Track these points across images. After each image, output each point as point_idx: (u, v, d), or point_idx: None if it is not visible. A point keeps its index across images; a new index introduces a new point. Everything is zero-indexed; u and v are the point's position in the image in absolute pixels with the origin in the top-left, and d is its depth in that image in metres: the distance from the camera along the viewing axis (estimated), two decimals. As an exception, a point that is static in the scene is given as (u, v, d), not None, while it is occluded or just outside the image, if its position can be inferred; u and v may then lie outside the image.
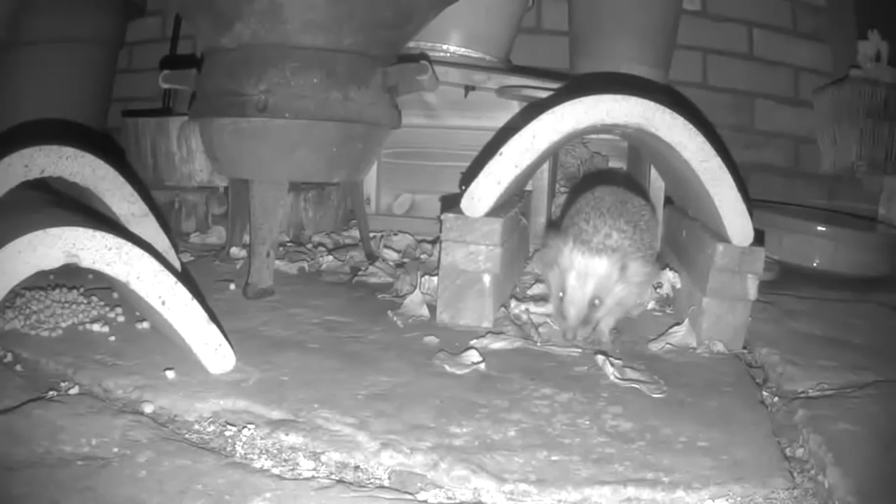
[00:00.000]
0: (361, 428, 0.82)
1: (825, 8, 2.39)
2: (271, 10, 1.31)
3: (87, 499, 0.67)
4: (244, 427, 0.83)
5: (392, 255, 1.63)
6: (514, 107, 1.70)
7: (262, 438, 0.81)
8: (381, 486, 0.74)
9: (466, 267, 1.17)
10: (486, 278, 1.17)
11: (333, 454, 0.79)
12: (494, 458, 0.77)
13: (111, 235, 0.90)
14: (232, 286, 1.38)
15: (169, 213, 1.82)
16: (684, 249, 1.33)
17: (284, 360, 1.02)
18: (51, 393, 0.89)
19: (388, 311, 1.24)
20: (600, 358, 1.04)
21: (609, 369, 1.01)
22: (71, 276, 1.27)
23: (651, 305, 1.33)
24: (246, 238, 1.58)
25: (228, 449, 0.80)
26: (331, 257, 1.60)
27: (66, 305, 1.18)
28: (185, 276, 1.14)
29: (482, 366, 1.02)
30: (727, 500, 0.73)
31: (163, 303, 0.93)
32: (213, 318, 0.96)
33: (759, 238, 1.12)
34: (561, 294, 1.11)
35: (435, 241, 1.64)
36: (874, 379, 1.03)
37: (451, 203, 1.24)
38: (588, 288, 1.08)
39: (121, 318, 1.17)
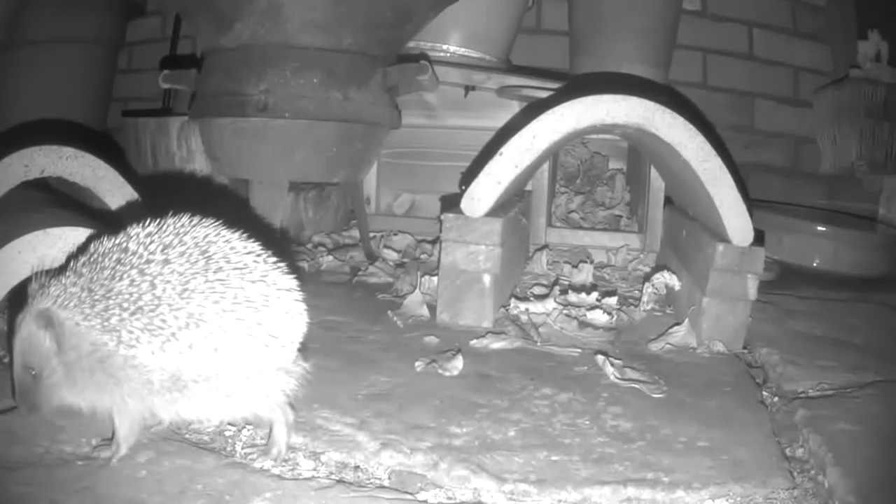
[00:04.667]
0: (361, 428, 0.82)
1: (825, 8, 2.39)
2: (271, 9, 1.31)
3: (86, 499, 0.67)
4: (244, 427, 0.83)
5: (392, 255, 1.63)
6: (514, 107, 1.70)
7: (261, 438, 0.81)
8: (381, 486, 0.74)
9: (466, 267, 1.17)
10: (486, 278, 1.17)
11: (333, 454, 0.79)
12: (494, 458, 0.77)
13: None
14: (232, 286, 1.38)
15: (169, 213, 1.82)
16: (684, 249, 1.33)
17: (284, 360, 1.02)
18: (51, 393, 0.89)
19: (388, 311, 1.24)
20: (600, 358, 1.04)
21: (609, 369, 1.01)
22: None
23: (650, 306, 1.33)
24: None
25: (228, 449, 0.80)
26: (331, 257, 1.60)
27: (66, 305, 1.17)
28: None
29: (482, 367, 1.02)
30: (727, 500, 0.73)
31: (163, 303, 0.92)
32: (213, 318, 0.96)
33: (759, 238, 1.12)
34: None
35: (435, 241, 1.64)
36: (874, 379, 1.03)
37: (451, 203, 1.24)
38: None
39: (121, 318, 1.17)
